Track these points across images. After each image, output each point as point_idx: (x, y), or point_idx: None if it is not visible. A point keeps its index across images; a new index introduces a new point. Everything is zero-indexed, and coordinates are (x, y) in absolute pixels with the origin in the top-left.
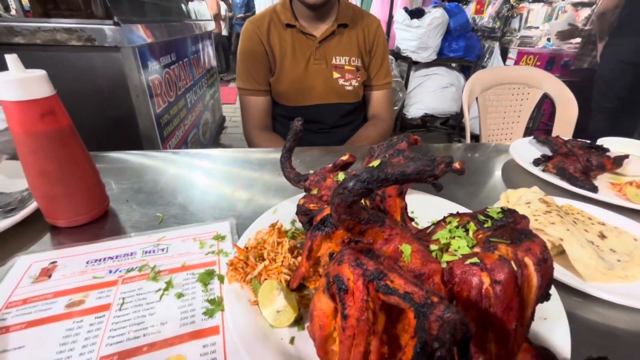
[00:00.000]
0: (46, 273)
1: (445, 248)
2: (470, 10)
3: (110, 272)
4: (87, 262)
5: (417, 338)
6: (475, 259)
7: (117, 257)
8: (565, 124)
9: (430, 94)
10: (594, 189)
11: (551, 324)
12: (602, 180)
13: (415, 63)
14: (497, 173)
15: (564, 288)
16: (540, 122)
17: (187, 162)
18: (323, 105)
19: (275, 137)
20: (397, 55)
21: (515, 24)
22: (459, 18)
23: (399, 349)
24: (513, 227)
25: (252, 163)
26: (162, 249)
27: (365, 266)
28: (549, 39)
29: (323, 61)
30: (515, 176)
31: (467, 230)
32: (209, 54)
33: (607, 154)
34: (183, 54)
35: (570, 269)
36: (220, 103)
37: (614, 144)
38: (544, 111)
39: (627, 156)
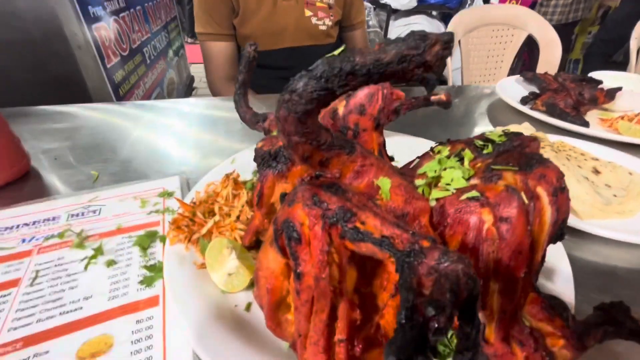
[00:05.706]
0: None
1: (434, 182)
2: None
3: (24, 241)
4: None
5: (401, 301)
6: (474, 193)
7: (34, 223)
8: (548, 66)
9: None
10: (586, 124)
11: (551, 265)
12: (592, 117)
13: (395, 11)
14: (483, 113)
15: None
16: (520, 71)
17: (134, 113)
18: (296, 48)
19: None
20: (376, 2)
21: None
22: None
23: (375, 312)
24: (520, 152)
25: (213, 114)
26: (94, 211)
27: (325, 204)
28: None
29: None
30: (501, 115)
31: (461, 160)
32: (167, 3)
33: (600, 86)
34: (135, 1)
35: None
36: (187, 61)
37: (605, 78)
38: (524, 60)
39: (620, 88)
